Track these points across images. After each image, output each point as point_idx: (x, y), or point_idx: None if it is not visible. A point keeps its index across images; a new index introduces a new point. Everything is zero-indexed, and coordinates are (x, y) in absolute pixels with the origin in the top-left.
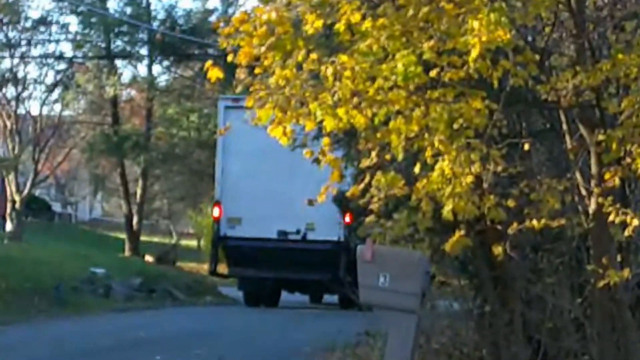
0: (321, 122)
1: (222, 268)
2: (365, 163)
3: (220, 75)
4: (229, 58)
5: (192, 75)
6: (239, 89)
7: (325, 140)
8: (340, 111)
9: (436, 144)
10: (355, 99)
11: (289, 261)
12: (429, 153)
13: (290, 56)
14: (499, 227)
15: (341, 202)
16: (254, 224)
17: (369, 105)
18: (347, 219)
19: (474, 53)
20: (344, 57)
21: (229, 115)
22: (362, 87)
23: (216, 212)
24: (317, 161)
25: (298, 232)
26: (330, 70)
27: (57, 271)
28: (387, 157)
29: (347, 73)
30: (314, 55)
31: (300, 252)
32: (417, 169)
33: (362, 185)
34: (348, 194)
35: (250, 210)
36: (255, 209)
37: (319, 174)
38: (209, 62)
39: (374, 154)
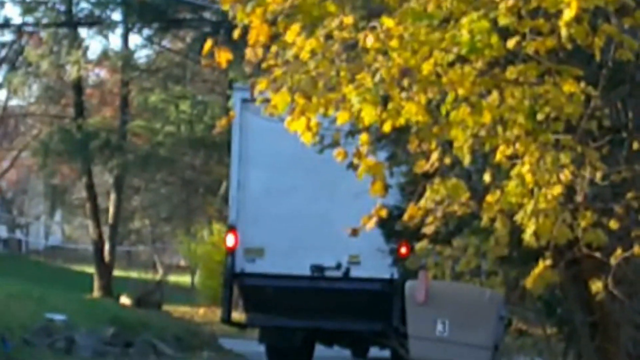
0: (358, 112)
1: (238, 314)
2: (421, 167)
3: (229, 56)
4: (235, 34)
5: (183, 49)
6: (248, 69)
7: (364, 137)
8: (391, 103)
9: (513, 141)
10: (406, 80)
11: (326, 306)
12: (503, 154)
13: (317, 26)
14: (599, 255)
15: (385, 223)
16: (281, 256)
17: (423, 89)
18: (403, 249)
19: (568, 15)
20: (389, 22)
21: (248, 111)
22: (413, 63)
23: (230, 240)
24: (352, 166)
25: (338, 267)
26: (370, 40)
27: (1, 318)
28: (448, 160)
29: (394, 43)
30: (348, 19)
31: (341, 294)
32: (487, 177)
33: (422, 202)
34: (406, 217)
35: (276, 238)
36: (282, 236)
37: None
38: (209, 42)
39: (434, 155)
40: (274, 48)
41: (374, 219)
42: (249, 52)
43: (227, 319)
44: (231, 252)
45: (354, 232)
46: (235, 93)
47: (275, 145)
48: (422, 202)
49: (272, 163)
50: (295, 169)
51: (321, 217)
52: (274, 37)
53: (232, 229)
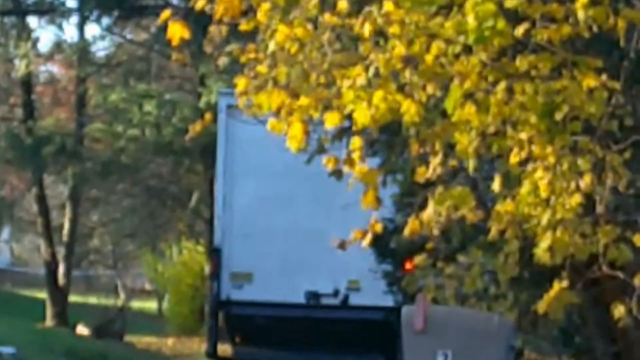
0: (350, 113)
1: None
2: (422, 175)
3: (186, 33)
4: (199, 4)
5: (147, 41)
6: (222, 62)
7: (356, 141)
8: (377, 96)
9: (525, 144)
10: (407, 72)
11: (322, 338)
12: (515, 159)
13: (296, 4)
14: (622, 274)
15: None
16: (271, 282)
17: (426, 81)
18: (408, 265)
19: None
20: (389, 5)
21: (234, 118)
22: (417, 51)
23: (214, 264)
24: (336, 174)
25: (336, 294)
26: (367, 28)
27: None
28: (453, 163)
29: (394, 29)
30: (342, 4)
31: (339, 325)
32: (496, 185)
33: (425, 216)
34: (406, 232)
35: (266, 260)
36: (273, 258)
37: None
38: (166, 13)
39: (436, 160)
40: (245, 26)
41: (369, 236)
42: (213, 29)
43: (212, 353)
44: (216, 277)
45: (342, 246)
46: (220, 98)
47: (265, 155)
48: (424, 215)
49: (262, 175)
50: (288, 181)
51: (317, 236)
52: (244, 14)
53: (216, 251)
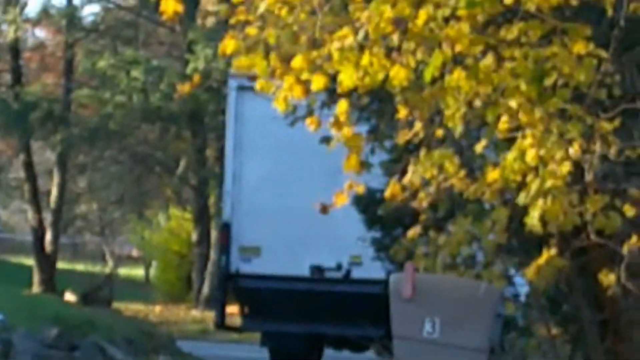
0: (336, 76)
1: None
2: (404, 137)
3: (179, 7)
4: None
5: (135, 6)
6: (208, 22)
7: (342, 104)
8: (365, 58)
9: (515, 110)
10: (395, 36)
11: (325, 310)
12: (503, 125)
13: None
14: (610, 243)
15: (367, 207)
16: (279, 256)
17: (416, 45)
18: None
19: None
20: None
21: (244, 99)
22: (407, 13)
23: (224, 238)
24: (325, 140)
25: (339, 267)
26: None
27: None
28: (439, 132)
29: None
30: None
31: (342, 298)
32: (479, 148)
33: (407, 178)
34: (387, 194)
35: (273, 236)
36: (280, 234)
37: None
38: None
39: (418, 125)
40: None
41: (346, 195)
42: (204, 1)
43: (220, 323)
44: (225, 250)
45: (324, 210)
46: (230, 80)
47: (274, 135)
48: (406, 179)
49: (270, 154)
50: (295, 161)
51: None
52: None
53: (226, 225)
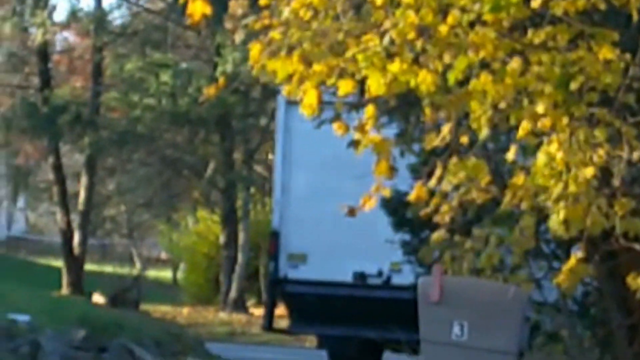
0: (363, 81)
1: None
2: (432, 142)
3: (207, 9)
4: None
5: (163, 9)
6: (238, 36)
7: (369, 109)
8: (394, 66)
9: (541, 115)
10: (420, 42)
11: (367, 314)
12: (524, 130)
13: None
14: (638, 246)
15: (396, 210)
16: (324, 262)
17: (440, 51)
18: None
19: None
20: None
21: (292, 114)
22: (431, 20)
23: (273, 246)
24: (354, 144)
25: (380, 274)
26: None
27: None
28: (464, 138)
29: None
30: None
31: (382, 303)
32: (511, 155)
33: (433, 181)
34: (411, 197)
35: (319, 243)
36: (325, 242)
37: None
38: None
39: (446, 128)
40: (264, 1)
41: (374, 199)
42: (233, 4)
43: (268, 326)
44: (274, 257)
45: (352, 213)
46: (279, 96)
47: (319, 148)
48: (432, 182)
49: (316, 166)
50: (339, 173)
51: (364, 222)
52: None
53: (275, 234)
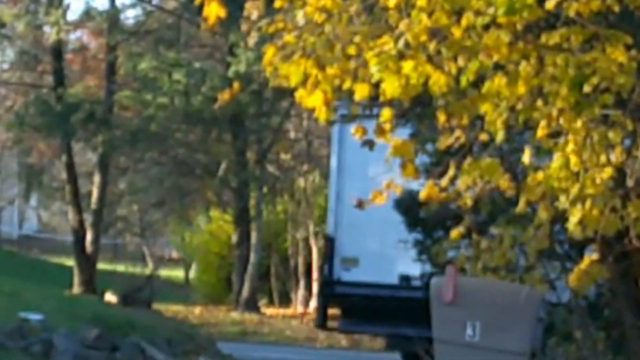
0: (378, 84)
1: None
2: (446, 142)
3: (222, 12)
4: None
5: (177, 9)
6: (252, 39)
7: (386, 112)
8: (407, 65)
9: (555, 115)
10: (433, 45)
11: (409, 314)
12: (542, 131)
13: None
14: None
15: (409, 209)
16: (373, 266)
17: (454, 54)
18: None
19: None
20: None
21: (347, 127)
22: (444, 25)
23: (328, 250)
24: (368, 144)
25: (422, 276)
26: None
27: None
28: (483, 136)
29: (422, 2)
30: None
31: (421, 303)
32: (526, 157)
33: (445, 181)
34: (422, 195)
35: (368, 249)
36: (374, 247)
37: None
38: None
39: (459, 129)
40: (278, 3)
41: (385, 195)
42: (249, 6)
43: (321, 324)
44: (329, 260)
45: (360, 205)
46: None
47: (369, 159)
48: (444, 181)
49: (366, 176)
50: (384, 180)
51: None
52: None
53: (330, 239)
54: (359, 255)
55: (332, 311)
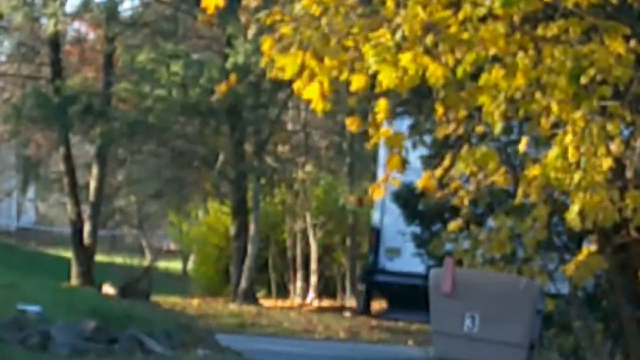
0: (375, 75)
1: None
2: (443, 131)
3: (220, 2)
4: None
5: (174, 1)
6: (251, 31)
7: (382, 103)
8: (405, 57)
9: (554, 108)
10: (430, 38)
11: None
12: (543, 123)
13: None
14: None
15: (406, 201)
16: (411, 256)
17: (450, 47)
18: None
19: None
20: None
21: (392, 124)
22: (440, 18)
23: (373, 240)
24: (366, 136)
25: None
26: None
27: None
28: (479, 128)
29: None
30: None
31: None
32: (522, 146)
33: (439, 171)
34: (420, 184)
35: (407, 240)
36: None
37: None
38: None
39: (457, 121)
40: None
41: (382, 188)
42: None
43: (365, 311)
44: (374, 250)
45: (360, 202)
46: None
47: (411, 156)
48: (438, 172)
49: (410, 172)
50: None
51: None
52: None
53: (376, 230)
54: (400, 245)
55: (331, 302)
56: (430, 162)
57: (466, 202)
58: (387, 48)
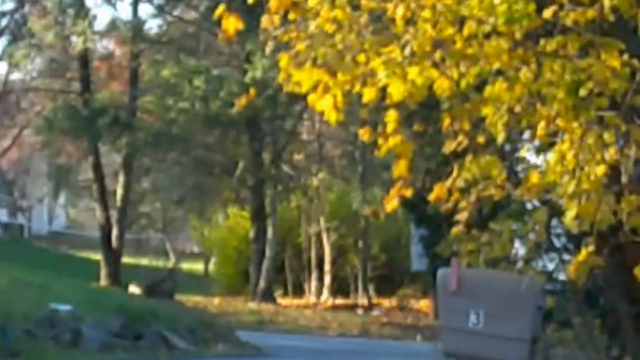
0: (385, 88)
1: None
2: (450, 147)
3: (239, 25)
4: None
5: (197, 19)
6: (268, 48)
7: (391, 114)
8: (413, 71)
9: (553, 117)
10: (438, 53)
11: None
12: (542, 132)
13: None
14: None
15: (415, 208)
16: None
17: (456, 62)
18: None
19: None
20: None
21: None
22: (447, 34)
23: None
24: (377, 145)
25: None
26: (400, 11)
27: (1, 307)
28: (481, 139)
29: (427, 14)
30: None
31: None
32: (523, 152)
33: (449, 182)
34: (431, 197)
35: None
36: None
37: None
38: (221, 7)
39: (462, 134)
40: (292, 15)
41: (396, 199)
42: (265, 20)
43: None
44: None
45: (375, 214)
46: None
47: None
48: (449, 182)
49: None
50: None
51: None
52: (295, 4)
53: None
54: None
55: (345, 301)
56: (437, 171)
57: (466, 214)
58: (397, 63)
